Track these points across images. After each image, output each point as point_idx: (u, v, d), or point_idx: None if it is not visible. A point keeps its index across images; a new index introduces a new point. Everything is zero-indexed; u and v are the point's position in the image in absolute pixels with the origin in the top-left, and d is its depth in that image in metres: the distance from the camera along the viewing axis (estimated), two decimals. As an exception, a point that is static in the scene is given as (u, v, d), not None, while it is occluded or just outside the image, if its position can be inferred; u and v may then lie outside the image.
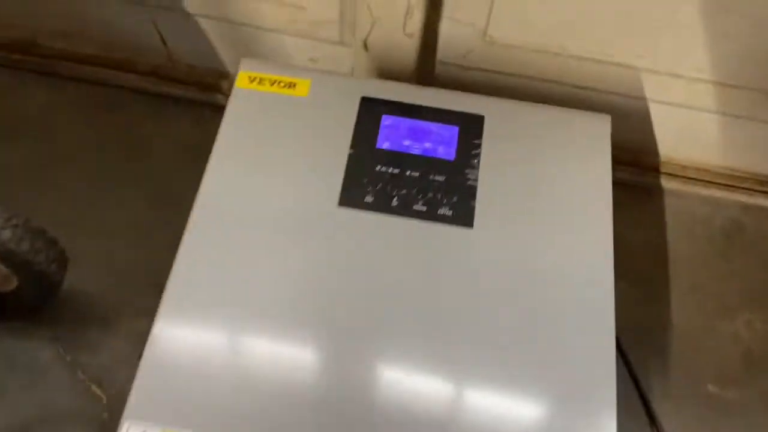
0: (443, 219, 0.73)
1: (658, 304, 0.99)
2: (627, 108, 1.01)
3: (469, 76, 1.03)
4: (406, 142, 0.78)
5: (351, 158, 0.76)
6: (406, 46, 0.96)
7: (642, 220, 1.06)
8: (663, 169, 1.10)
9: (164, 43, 1.10)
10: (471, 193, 0.74)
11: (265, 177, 0.74)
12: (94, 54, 1.15)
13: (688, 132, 1.05)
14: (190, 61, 1.13)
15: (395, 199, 0.74)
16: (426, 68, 1.03)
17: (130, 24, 1.07)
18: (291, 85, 0.80)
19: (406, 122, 0.79)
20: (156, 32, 1.08)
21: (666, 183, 1.10)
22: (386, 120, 0.79)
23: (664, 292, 1.00)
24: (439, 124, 0.79)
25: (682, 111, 1.00)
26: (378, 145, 0.77)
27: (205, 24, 1.05)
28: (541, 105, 0.82)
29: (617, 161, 0.73)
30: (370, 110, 0.79)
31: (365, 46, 0.99)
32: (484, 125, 0.79)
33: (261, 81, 0.80)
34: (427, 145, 0.78)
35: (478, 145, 0.77)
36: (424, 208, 0.73)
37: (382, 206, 0.73)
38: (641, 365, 0.92)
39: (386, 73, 1.03)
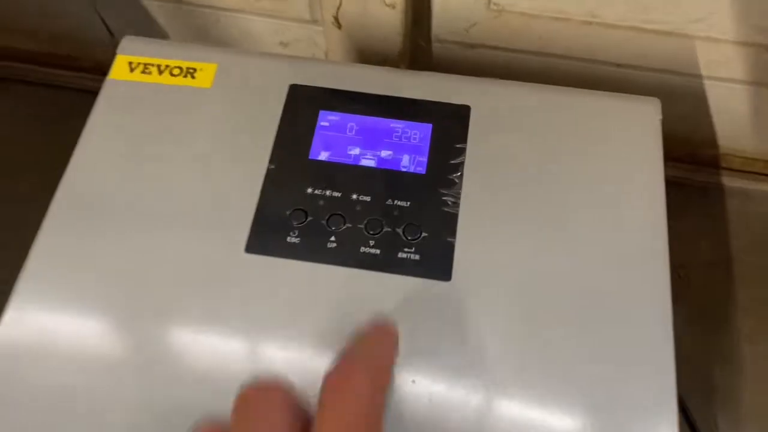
0: (407, 268, 0.47)
1: (723, 335, 0.81)
2: (677, 89, 0.79)
3: (473, 57, 0.82)
4: (354, 151, 0.52)
5: (269, 177, 0.51)
6: (388, 20, 0.74)
7: (700, 227, 0.87)
8: (724, 164, 0.90)
9: (111, 33, 0.95)
10: (449, 224, 0.49)
11: (139, 216, 0.49)
12: (30, 50, 1.01)
13: (756, 117, 0.82)
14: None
15: (333, 238, 0.48)
16: (419, 49, 0.83)
17: (69, 13, 0.92)
18: (189, 73, 0.55)
19: (354, 120, 0.53)
20: (100, 21, 0.93)
21: (728, 181, 0.90)
22: (325, 117, 0.53)
23: (729, 318, 0.82)
24: (404, 122, 0.53)
25: (749, 90, 0.77)
26: (312, 155, 0.52)
27: (155, 8, 0.88)
28: (556, 88, 0.55)
29: (665, 156, 0.52)
30: (302, 104, 0.54)
31: (336, 22, 0.77)
32: (470, 119, 0.53)
33: (146, 68, 0.55)
34: (386, 153, 0.52)
35: (462, 151, 0.52)
36: (377, 252, 0.48)
37: (312, 251, 0.48)
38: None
39: (367, 56, 0.81)
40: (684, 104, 0.81)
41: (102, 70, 0.96)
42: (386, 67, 0.57)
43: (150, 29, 0.93)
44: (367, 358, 0.26)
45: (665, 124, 0.53)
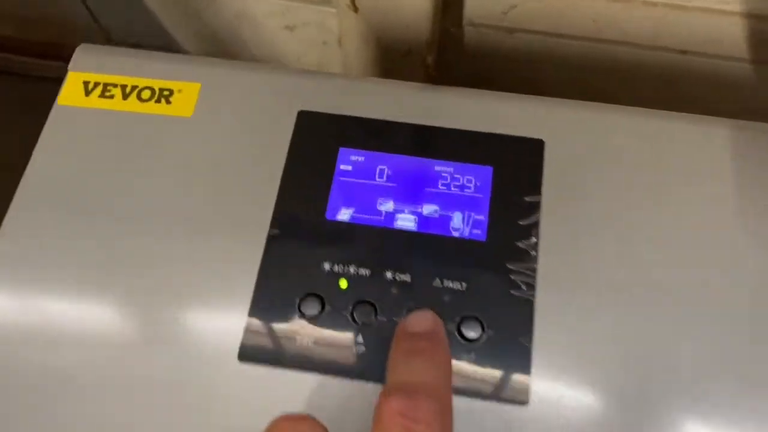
0: (466, 384, 0.33)
1: None
2: (750, 80, 0.63)
3: (512, 43, 0.68)
4: (386, 206, 0.38)
5: (271, 249, 0.37)
6: (415, 1, 0.60)
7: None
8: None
9: (95, 20, 0.86)
10: (523, 317, 0.35)
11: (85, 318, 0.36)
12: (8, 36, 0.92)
13: None
14: (133, 41, 0.87)
15: (361, 338, 0.35)
16: (448, 36, 0.69)
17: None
18: (163, 96, 0.41)
19: (385, 161, 0.39)
20: (83, 7, 0.84)
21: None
22: (346, 158, 0.39)
23: None
24: (455, 163, 0.39)
25: None
26: (329, 214, 0.38)
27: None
28: (659, 113, 0.41)
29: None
30: (315, 138, 0.40)
31: (352, 4, 0.64)
32: (545, 159, 0.39)
33: (107, 90, 0.41)
34: (429, 209, 0.38)
35: (535, 206, 0.37)
36: (423, 361, 0.33)
37: (332, 358, 0.34)
38: None
39: (388, 44, 0.67)
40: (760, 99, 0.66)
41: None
42: (427, 85, 0.42)
43: (140, 15, 0.80)
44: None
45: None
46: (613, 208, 0.37)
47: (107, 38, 0.90)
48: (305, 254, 0.36)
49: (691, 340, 0.34)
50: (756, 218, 0.37)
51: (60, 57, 0.92)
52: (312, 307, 0.35)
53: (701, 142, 0.39)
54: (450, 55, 0.71)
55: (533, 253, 0.36)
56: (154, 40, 0.85)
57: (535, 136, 0.40)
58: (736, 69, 0.63)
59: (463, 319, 0.35)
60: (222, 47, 0.85)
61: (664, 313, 0.34)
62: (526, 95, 0.41)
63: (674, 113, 0.40)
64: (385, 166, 0.39)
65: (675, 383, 0.33)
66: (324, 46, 0.79)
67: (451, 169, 0.39)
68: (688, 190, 0.38)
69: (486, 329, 0.34)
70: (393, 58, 0.67)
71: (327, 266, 0.36)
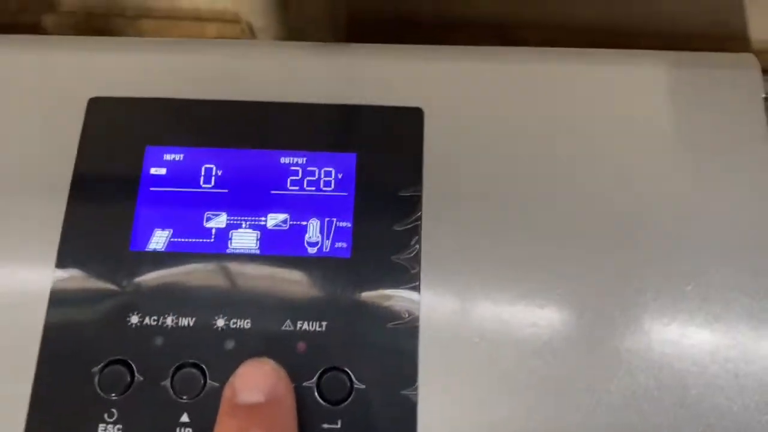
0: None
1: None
2: None
3: None
4: (216, 221, 0.28)
5: (57, 299, 0.26)
6: None
7: None
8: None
9: None
10: (404, 361, 0.26)
11: None
12: None
13: None
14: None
15: (186, 417, 0.25)
16: None
17: None
18: None
19: (215, 157, 0.29)
20: None
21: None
22: (157, 158, 0.29)
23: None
24: (306, 153, 0.29)
25: None
26: (134, 244, 0.27)
27: None
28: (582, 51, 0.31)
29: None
30: (113, 134, 0.29)
31: None
32: (425, 134, 0.29)
33: None
34: (277, 220, 0.28)
35: (415, 200, 0.28)
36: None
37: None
38: None
39: None
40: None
41: None
42: (263, 42, 0.31)
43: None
44: None
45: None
46: (505, 183, 0.28)
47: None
48: (103, 306, 0.26)
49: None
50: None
51: None
52: (116, 380, 0.25)
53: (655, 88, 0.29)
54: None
55: (413, 269, 0.27)
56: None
57: (413, 104, 0.30)
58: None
59: (325, 373, 0.26)
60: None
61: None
62: (392, 45, 0.31)
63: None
64: (212, 165, 0.29)
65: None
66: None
67: (302, 160, 0.29)
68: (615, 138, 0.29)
69: (353, 384, 0.26)
70: None
71: (135, 320, 0.26)
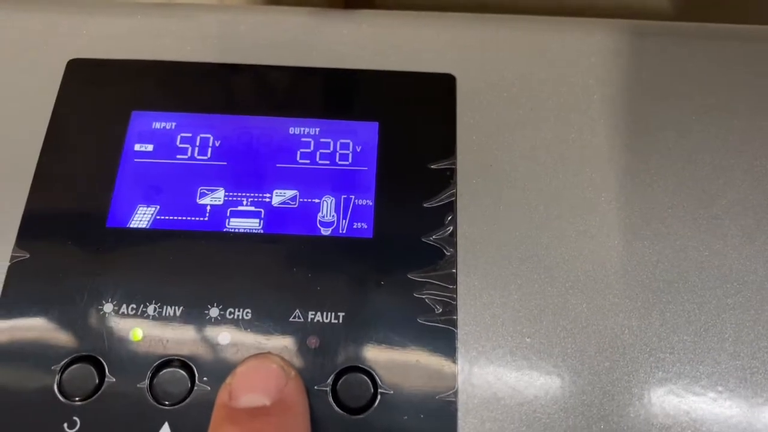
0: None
1: None
2: None
3: None
4: (213, 198, 0.23)
5: (14, 283, 0.22)
6: None
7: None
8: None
9: None
10: (441, 359, 0.21)
11: None
12: None
13: None
14: None
15: (167, 430, 0.20)
16: None
17: None
18: None
19: (212, 125, 0.24)
20: None
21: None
22: (144, 124, 0.24)
23: None
24: (321, 121, 0.25)
25: None
26: (113, 220, 0.23)
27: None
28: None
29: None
30: (93, 99, 0.25)
31: None
32: (458, 103, 0.25)
33: None
34: (284, 197, 0.24)
35: (448, 175, 0.24)
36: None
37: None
38: None
39: None
40: None
41: None
42: (273, 6, 0.28)
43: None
44: None
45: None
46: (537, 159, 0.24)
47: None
48: (70, 291, 0.22)
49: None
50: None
51: None
52: (81, 381, 0.20)
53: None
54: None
55: (448, 251, 0.22)
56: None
57: (443, 70, 0.26)
58: None
59: (341, 375, 0.21)
60: None
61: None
62: (423, 12, 0.27)
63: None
64: (209, 135, 0.25)
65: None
66: None
67: (315, 131, 0.25)
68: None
69: (380, 387, 0.21)
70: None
71: (109, 308, 0.21)
